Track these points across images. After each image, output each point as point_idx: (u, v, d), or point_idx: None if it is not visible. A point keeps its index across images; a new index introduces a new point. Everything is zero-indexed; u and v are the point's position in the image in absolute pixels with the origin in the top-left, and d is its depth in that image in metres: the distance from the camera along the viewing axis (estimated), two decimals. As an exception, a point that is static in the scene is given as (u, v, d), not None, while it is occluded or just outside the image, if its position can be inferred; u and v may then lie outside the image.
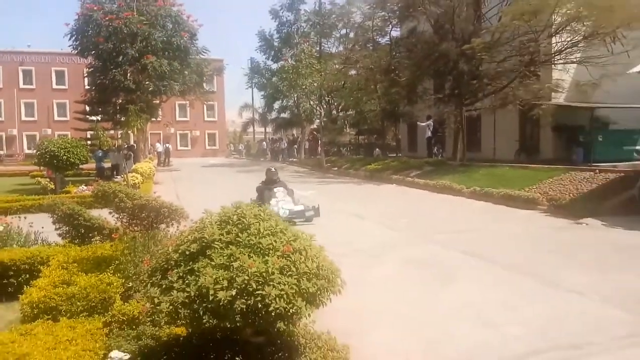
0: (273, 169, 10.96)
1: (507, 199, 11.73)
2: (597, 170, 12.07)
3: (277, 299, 2.40)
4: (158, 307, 2.46)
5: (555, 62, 17.70)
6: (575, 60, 17.29)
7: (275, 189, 10.15)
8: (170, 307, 2.43)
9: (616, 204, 10.02)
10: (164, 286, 2.55)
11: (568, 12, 15.85)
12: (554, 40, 17.22)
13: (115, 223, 6.40)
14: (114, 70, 21.30)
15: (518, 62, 17.95)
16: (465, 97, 19.28)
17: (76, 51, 22.63)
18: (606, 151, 16.45)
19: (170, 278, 2.54)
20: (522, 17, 15.86)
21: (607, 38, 15.24)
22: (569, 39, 16.70)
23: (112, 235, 5.89)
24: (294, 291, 2.48)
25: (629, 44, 14.43)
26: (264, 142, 44.98)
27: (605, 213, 9.55)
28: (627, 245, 7.50)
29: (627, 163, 14.43)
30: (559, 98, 19.04)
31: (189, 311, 2.41)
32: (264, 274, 2.45)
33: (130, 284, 4.54)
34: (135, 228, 6.30)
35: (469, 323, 4.34)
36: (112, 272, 4.65)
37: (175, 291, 2.46)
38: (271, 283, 2.43)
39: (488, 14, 19.30)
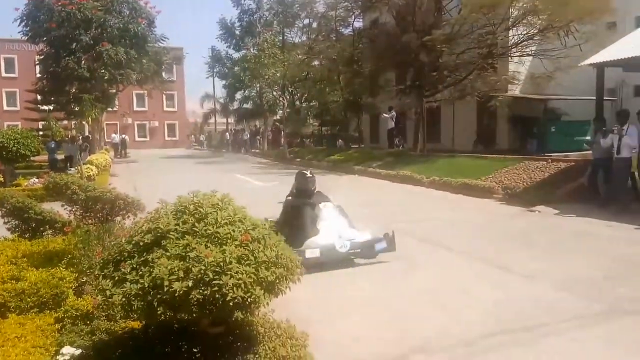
0: (308, 174, 6.72)
1: (465, 188, 12.05)
2: (550, 160, 12.56)
3: (234, 288, 2.37)
4: (110, 300, 2.39)
5: (512, 54, 18.22)
6: (530, 52, 17.85)
7: (321, 206, 6.38)
8: (123, 299, 2.36)
9: (567, 191, 10.47)
10: (116, 278, 2.48)
11: (524, 5, 16.32)
12: (510, 33, 17.70)
13: (69, 216, 6.19)
14: (67, 58, 20.40)
15: (476, 54, 18.38)
16: (425, 89, 19.60)
17: (26, 37, 21.54)
18: (558, 141, 17.13)
19: (123, 270, 2.47)
20: (481, 10, 16.21)
21: (561, 31, 15.80)
22: (525, 32, 17.22)
23: (65, 229, 5.69)
24: (252, 280, 2.46)
25: (581, 38, 14.99)
26: (227, 133, 44.38)
27: (556, 201, 9.97)
28: (576, 231, 7.85)
29: (577, 153, 15.07)
30: (515, 90, 19.64)
31: (142, 303, 2.35)
32: (221, 263, 2.42)
33: (85, 278, 4.41)
34: (90, 221, 6.12)
35: (425, 308, 4.45)
36: (64, 266, 4.50)
37: (128, 283, 2.40)
38: (229, 272, 2.40)
39: (448, 6, 19.62)
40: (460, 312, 4.35)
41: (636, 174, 9.27)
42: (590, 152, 11.06)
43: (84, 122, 24.45)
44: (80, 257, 4.62)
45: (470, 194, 11.67)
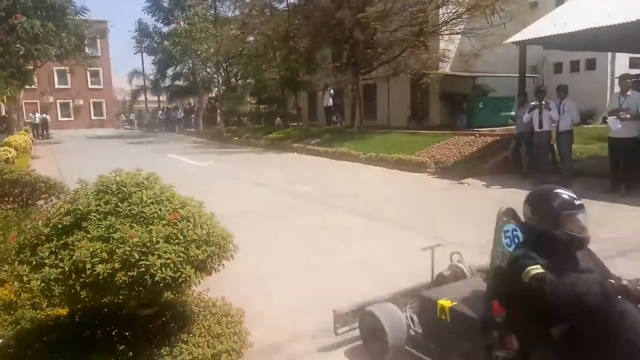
0: (577, 199, 2.46)
1: (400, 164, 12.39)
2: (478, 135, 13.15)
3: (162, 268, 2.30)
4: (28, 286, 2.25)
5: (442, 32, 18.74)
6: (459, 31, 18.43)
7: None
8: (42, 284, 2.23)
9: (493, 164, 11.05)
10: (34, 263, 2.33)
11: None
12: (440, 11, 18.16)
13: (-17, 202, 5.74)
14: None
15: (409, 32, 18.72)
16: (361, 66, 19.77)
17: None
18: (486, 117, 17.97)
19: (40, 254, 2.32)
20: (412, -12, 16.49)
21: (487, 10, 16.39)
22: (454, 11, 17.73)
23: (-21, 216, 5.27)
24: (181, 259, 2.39)
25: (506, 17, 15.64)
26: (159, 112, 42.62)
27: (484, 173, 10.50)
28: (502, 201, 8.22)
29: (503, 127, 15.89)
30: (445, 67, 20.29)
31: (64, 288, 2.23)
32: (148, 243, 2.33)
33: (6, 267, 4.13)
34: (8, 206, 5.74)
35: (361, 278, 4.58)
36: None
37: (47, 267, 2.26)
38: (156, 252, 2.32)
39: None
40: (395, 281, 4.49)
41: (555, 146, 9.91)
42: (514, 126, 11.69)
43: (-1, 101, 22.51)
44: None
45: (405, 169, 12.02)
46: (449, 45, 19.36)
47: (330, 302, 4.02)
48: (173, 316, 2.88)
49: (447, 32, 18.61)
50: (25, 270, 2.31)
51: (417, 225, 6.66)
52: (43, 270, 2.26)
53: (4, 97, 20.14)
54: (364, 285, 4.41)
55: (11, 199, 5.84)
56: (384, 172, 12.29)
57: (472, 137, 13.02)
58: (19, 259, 2.43)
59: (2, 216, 5.07)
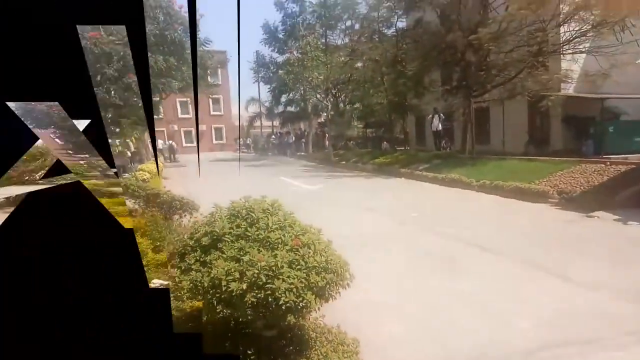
0: None
1: (517, 192, 11.65)
2: (608, 163, 11.95)
3: (286, 292, 2.42)
4: (180, 285, 2.68)
5: (564, 52, 17.50)
6: (584, 50, 17.07)
7: None
8: (191, 284, 2.63)
9: (628, 196, 9.90)
10: (183, 268, 2.74)
11: (576, 0, 15.65)
12: (562, 29, 17.00)
13: (133, 206, 6.64)
14: (95, 89, 20.84)
15: (526, 52, 17.77)
16: (473, 89, 19.14)
17: None
18: (617, 143, 16.27)
19: (188, 261, 2.73)
20: (530, 7, 15.65)
21: (616, 27, 15.02)
22: (577, 28, 16.49)
23: (132, 214, 6.14)
24: (303, 285, 2.49)
25: (638, 33, 14.22)
26: (273, 136, 45.05)
27: (616, 206, 9.46)
28: (638, 238, 7.42)
29: (638, 155, 14.25)
30: (568, 89, 18.83)
31: (203, 301, 2.51)
32: (274, 267, 2.47)
33: (158, 243, 5.01)
34: (154, 209, 6.56)
35: (478, 316, 4.34)
36: (139, 237, 4.94)
37: (193, 272, 2.66)
38: (280, 277, 2.45)
39: (495, 3, 19.06)
40: (515, 322, 4.21)
41: None
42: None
43: (127, 141, 24.98)
44: (151, 231, 5.22)
45: (523, 199, 11.26)
46: (572, 65, 17.97)
47: (440, 337, 3.88)
48: (292, 339, 2.98)
49: (569, 51, 17.34)
50: (176, 273, 2.68)
51: (542, 261, 6.18)
52: (191, 273, 2.61)
53: (133, 137, 22.45)
54: (476, 323, 4.19)
55: (155, 207, 6.62)
56: (499, 201, 11.63)
57: (602, 165, 11.85)
58: (170, 264, 2.80)
59: (149, 215, 5.85)
